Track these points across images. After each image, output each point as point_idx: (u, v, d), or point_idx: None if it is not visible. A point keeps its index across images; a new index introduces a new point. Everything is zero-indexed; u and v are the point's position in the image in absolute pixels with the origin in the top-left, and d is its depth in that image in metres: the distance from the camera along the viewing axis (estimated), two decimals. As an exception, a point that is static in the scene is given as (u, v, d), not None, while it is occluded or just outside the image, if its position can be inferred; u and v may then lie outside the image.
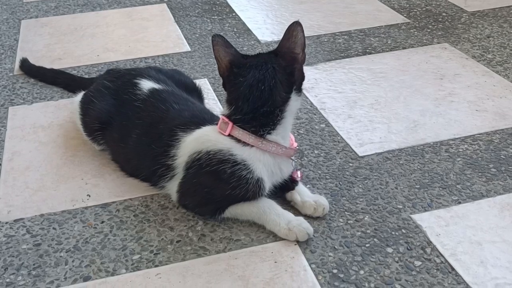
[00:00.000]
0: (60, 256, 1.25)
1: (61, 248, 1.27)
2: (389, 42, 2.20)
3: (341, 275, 1.18)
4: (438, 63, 2.04)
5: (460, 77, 1.95)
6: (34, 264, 1.23)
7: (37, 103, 1.83)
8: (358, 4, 2.58)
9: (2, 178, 1.50)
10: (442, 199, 1.39)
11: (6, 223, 1.35)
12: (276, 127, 1.27)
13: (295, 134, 1.63)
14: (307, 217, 1.32)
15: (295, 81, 1.29)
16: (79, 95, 1.63)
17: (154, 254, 1.24)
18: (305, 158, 1.55)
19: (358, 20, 2.41)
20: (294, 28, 1.25)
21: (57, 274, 1.20)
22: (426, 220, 1.32)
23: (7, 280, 1.19)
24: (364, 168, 1.51)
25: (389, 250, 1.24)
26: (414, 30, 2.31)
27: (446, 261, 1.21)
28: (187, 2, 2.64)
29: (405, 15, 2.46)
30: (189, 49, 2.18)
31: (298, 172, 1.40)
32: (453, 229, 1.29)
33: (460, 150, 1.57)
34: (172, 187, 1.36)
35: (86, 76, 1.97)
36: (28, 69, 2.01)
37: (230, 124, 1.27)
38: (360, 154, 1.56)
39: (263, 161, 1.27)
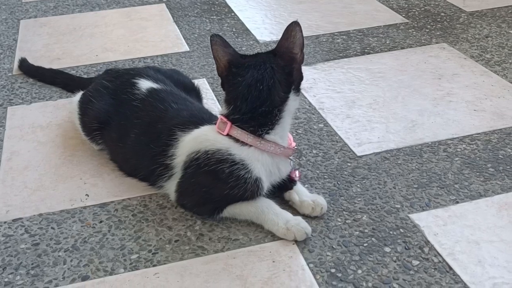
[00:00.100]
0: (59, 256, 1.25)
1: (60, 248, 1.27)
2: (387, 42, 2.21)
3: (339, 275, 1.19)
4: (437, 63, 2.04)
5: (458, 77, 1.95)
6: (32, 264, 1.23)
7: (35, 103, 1.84)
8: (356, 4, 2.58)
9: (0, 178, 1.50)
10: (440, 199, 1.39)
11: (5, 222, 1.35)
12: (274, 127, 1.28)
13: (294, 134, 1.64)
14: (305, 216, 1.32)
15: (293, 81, 1.29)
16: (78, 95, 1.63)
17: (152, 254, 1.24)
18: (304, 158, 1.55)
19: (357, 20, 2.42)
20: (293, 28, 1.25)
21: (56, 273, 1.20)
22: (424, 220, 1.32)
23: (6, 279, 1.19)
24: (362, 168, 1.51)
25: (387, 249, 1.25)
26: (413, 30, 2.31)
27: (444, 260, 1.21)
28: (186, 2, 2.64)
29: (403, 15, 2.46)
30: (188, 49, 2.18)
31: (297, 172, 1.40)
32: (451, 228, 1.30)
33: (458, 149, 1.58)
34: (171, 186, 1.36)
35: (85, 76, 1.97)
36: (27, 69, 2.01)
37: (229, 123, 1.27)
38: (358, 154, 1.56)
39: (261, 161, 1.28)
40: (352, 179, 1.47)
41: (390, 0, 2.62)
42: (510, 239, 1.26)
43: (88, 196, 1.42)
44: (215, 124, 1.30)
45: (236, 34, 2.30)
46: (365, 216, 1.34)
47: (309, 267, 1.20)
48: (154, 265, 1.22)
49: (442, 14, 2.46)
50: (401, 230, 1.30)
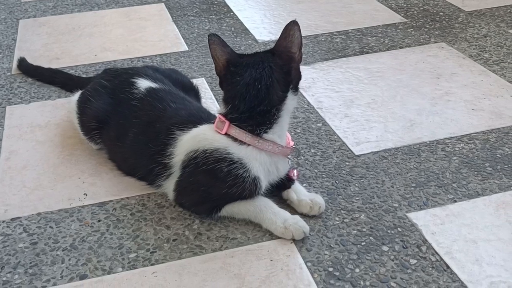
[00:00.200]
0: (57, 255, 1.25)
1: (58, 247, 1.27)
2: (386, 42, 2.21)
3: (337, 273, 1.19)
4: (435, 62, 2.04)
5: (456, 76, 1.95)
6: (30, 263, 1.23)
7: (34, 102, 1.84)
8: (355, 3, 2.58)
9: (-1, 177, 1.50)
10: (438, 198, 1.39)
11: (3, 222, 1.35)
12: (272, 126, 1.28)
13: (292, 133, 1.64)
14: (303, 215, 1.32)
15: (291, 80, 1.29)
16: (77, 95, 1.63)
17: (150, 253, 1.25)
18: (302, 157, 1.55)
19: (356, 19, 2.42)
20: (291, 27, 1.25)
21: (54, 272, 1.21)
22: (422, 219, 1.33)
23: (4, 278, 1.19)
24: (361, 167, 1.51)
25: (385, 248, 1.25)
26: (411, 29, 2.31)
27: (442, 259, 1.22)
28: (185, 2, 2.64)
29: (402, 14, 2.46)
30: (187, 49, 2.19)
31: (295, 171, 1.40)
32: (449, 227, 1.30)
33: (456, 149, 1.58)
34: (169, 185, 1.37)
35: (84, 76, 1.98)
36: (26, 68, 2.01)
37: (227, 123, 1.27)
38: (356, 153, 1.57)
39: (259, 160, 1.28)
40: (350, 178, 1.47)
41: (389, -1, 2.62)
42: (508, 238, 1.27)
43: (86, 195, 1.43)
44: (214, 123, 1.30)
45: (235, 34, 2.31)
46: (363, 215, 1.34)
47: (307, 266, 1.20)
48: (152, 264, 1.22)
49: (441, 13, 2.47)
50: (399, 229, 1.30)
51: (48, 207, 1.39)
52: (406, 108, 1.77)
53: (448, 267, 1.20)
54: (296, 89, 1.31)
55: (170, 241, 1.28)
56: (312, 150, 1.58)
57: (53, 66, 2.01)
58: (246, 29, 2.35)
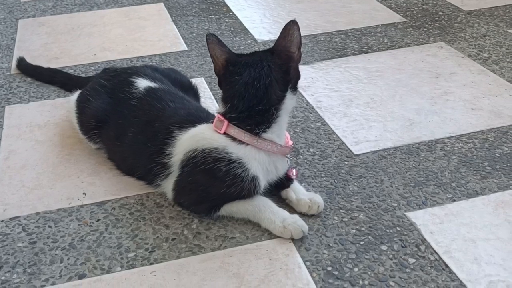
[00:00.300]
0: (56, 254, 1.25)
1: (57, 246, 1.27)
2: (385, 41, 2.21)
3: (336, 273, 1.19)
4: (434, 62, 2.05)
5: (456, 75, 1.95)
6: (29, 262, 1.23)
7: (33, 102, 1.84)
8: (355, 3, 2.58)
9: (-2, 177, 1.50)
10: (436, 197, 1.39)
11: (2, 221, 1.35)
12: (271, 126, 1.28)
13: (291, 133, 1.64)
14: (302, 215, 1.32)
15: (290, 80, 1.29)
16: (76, 94, 1.63)
17: (149, 252, 1.25)
18: (301, 156, 1.55)
19: (355, 19, 2.42)
20: (290, 27, 1.25)
21: (52, 272, 1.21)
22: (421, 218, 1.33)
23: (2, 278, 1.19)
24: (359, 166, 1.51)
25: (384, 247, 1.25)
26: (411, 29, 2.31)
27: (440, 258, 1.22)
28: (184, 2, 2.64)
29: (401, 14, 2.46)
30: (186, 48, 2.19)
31: (293, 170, 1.40)
32: (447, 226, 1.30)
33: (455, 148, 1.58)
34: (168, 185, 1.37)
35: (83, 75, 1.98)
36: (25, 68, 2.01)
37: (226, 122, 1.27)
38: (355, 153, 1.57)
39: (258, 159, 1.28)
40: (349, 178, 1.47)
41: (388, -1, 2.62)
42: (506, 237, 1.27)
43: (85, 194, 1.43)
44: (212, 122, 1.30)
45: (234, 33, 2.31)
46: (362, 214, 1.34)
47: (306, 265, 1.20)
48: (151, 263, 1.22)
49: (440, 13, 2.47)
50: (397, 228, 1.30)
51: (47, 206, 1.39)
52: (405, 107, 1.77)
53: (447, 266, 1.20)
54: (295, 88, 1.31)
55: (169, 241, 1.28)
56: (311, 150, 1.58)
57: (52, 66, 2.01)
58: (245, 28, 2.35)
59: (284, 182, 1.37)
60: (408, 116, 1.72)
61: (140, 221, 1.34)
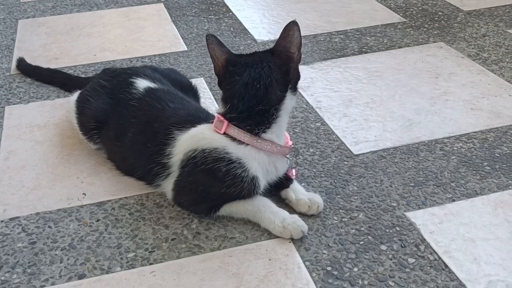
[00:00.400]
0: (55, 254, 1.25)
1: (56, 246, 1.27)
2: (385, 41, 2.21)
3: (335, 272, 1.19)
4: (434, 62, 2.05)
5: (455, 76, 1.95)
6: (29, 262, 1.23)
7: (33, 102, 1.84)
8: (354, 3, 2.58)
9: (-2, 177, 1.50)
10: (436, 197, 1.39)
11: (2, 221, 1.35)
12: (271, 126, 1.28)
13: (291, 133, 1.64)
14: (302, 215, 1.33)
15: (290, 80, 1.29)
16: (75, 94, 1.63)
17: (149, 252, 1.25)
18: (300, 157, 1.55)
19: (355, 19, 2.42)
20: (291, 27, 1.25)
21: (52, 272, 1.21)
22: (420, 218, 1.33)
23: (2, 278, 1.19)
24: (359, 166, 1.51)
25: (383, 247, 1.25)
26: (410, 29, 2.32)
27: (440, 258, 1.22)
28: (184, 2, 2.64)
29: (401, 14, 2.47)
30: (186, 49, 2.19)
31: (293, 170, 1.40)
32: (447, 226, 1.30)
33: (455, 148, 1.58)
34: (168, 185, 1.37)
35: (83, 76, 1.98)
36: (25, 68, 2.01)
37: (225, 122, 1.27)
38: (355, 153, 1.57)
39: (258, 160, 1.28)
40: (349, 178, 1.47)
41: (388, -1, 2.62)
42: (506, 237, 1.27)
43: (85, 195, 1.43)
44: (212, 123, 1.30)
45: (234, 34, 2.31)
46: (361, 214, 1.34)
47: (305, 265, 1.21)
48: (151, 264, 1.22)
49: (440, 13, 2.47)
50: (397, 228, 1.30)
51: (47, 206, 1.39)
52: (404, 107, 1.77)
53: (446, 266, 1.20)
54: (294, 89, 1.31)
55: (169, 241, 1.28)
56: (311, 150, 1.58)
57: (52, 66, 2.01)
58: (245, 29, 2.36)
59: (284, 182, 1.37)
60: (408, 116, 1.73)
61: (139, 221, 1.34)
